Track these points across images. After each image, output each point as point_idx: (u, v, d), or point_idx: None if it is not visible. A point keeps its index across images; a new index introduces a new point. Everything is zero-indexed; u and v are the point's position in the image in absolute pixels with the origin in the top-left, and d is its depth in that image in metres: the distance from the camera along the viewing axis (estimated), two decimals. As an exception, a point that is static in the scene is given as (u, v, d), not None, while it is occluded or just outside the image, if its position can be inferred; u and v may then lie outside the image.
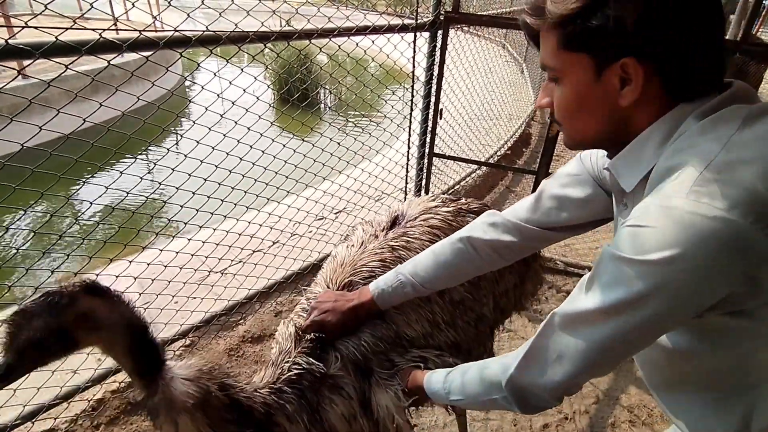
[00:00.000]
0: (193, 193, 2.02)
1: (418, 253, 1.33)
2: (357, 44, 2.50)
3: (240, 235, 2.51)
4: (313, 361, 1.19)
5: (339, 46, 2.46)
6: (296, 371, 1.19)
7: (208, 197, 2.11)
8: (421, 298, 1.29)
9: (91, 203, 1.77)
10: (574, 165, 1.06)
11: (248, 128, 2.09)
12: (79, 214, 4.33)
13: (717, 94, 0.73)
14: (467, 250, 1.15)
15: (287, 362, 1.21)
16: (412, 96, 2.95)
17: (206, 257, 2.35)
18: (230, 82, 1.97)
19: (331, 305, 1.24)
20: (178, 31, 1.72)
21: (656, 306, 0.68)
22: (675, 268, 0.64)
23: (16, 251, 3.20)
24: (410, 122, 3.04)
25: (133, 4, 1.73)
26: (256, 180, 2.34)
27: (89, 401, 2.08)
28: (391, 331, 1.27)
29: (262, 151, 2.27)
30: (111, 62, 1.70)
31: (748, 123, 0.68)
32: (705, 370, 0.80)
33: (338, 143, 2.76)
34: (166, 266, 2.17)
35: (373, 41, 2.69)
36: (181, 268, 2.26)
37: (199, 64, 1.83)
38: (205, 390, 1.02)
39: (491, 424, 2.20)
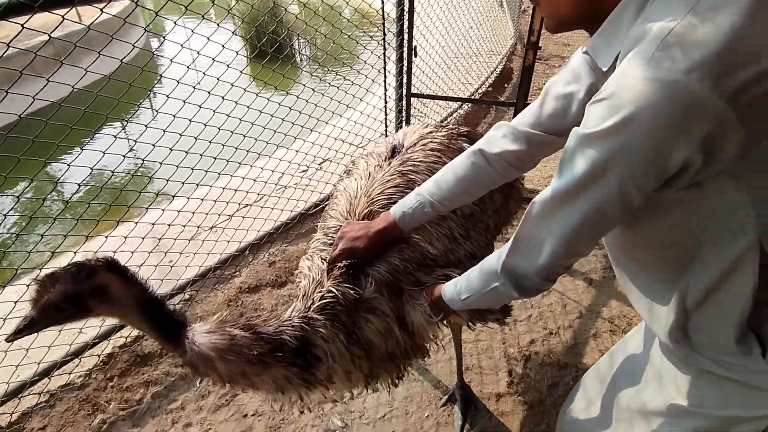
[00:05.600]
0: (170, 150, 2.02)
1: (427, 175, 1.39)
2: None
3: (224, 189, 2.54)
4: (348, 286, 1.24)
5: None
6: (329, 299, 1.23)
7: (186, 153, 2.12)
8: (438, 217, 1.34)
9: (69, 165, 1.78)
10: (574, 59, 1.02)
11: (218, 79, 2.06)
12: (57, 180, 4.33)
13: None
14: (481, 163, 1.17)
15: (319, 292, 1.25)
16: (384, 35, 2.88)
17: (193, 213, 2.39)
18: (192, 31, 1.93)
19: (357, 233, 1.28)
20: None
21: (617, 173, 0.69)
22: (629, 132, 0.65)
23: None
24: (384, 63, 2.99)
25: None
26: (232, 132, 2.33)
27: (99, 356, 2.18)
28: (416, 252, 1.33)
29: (236, 102, 2.25)
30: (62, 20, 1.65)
31: None
32: (655, 243, 0.84)
33: (313, 89, 2.73)
34: (153, 224, 2.21)
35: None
36: (169, 226, 2.30)
37: (157, 13, 1.77)
38: (229, 335, 1.11)
39: (481, 344, 2.34)
